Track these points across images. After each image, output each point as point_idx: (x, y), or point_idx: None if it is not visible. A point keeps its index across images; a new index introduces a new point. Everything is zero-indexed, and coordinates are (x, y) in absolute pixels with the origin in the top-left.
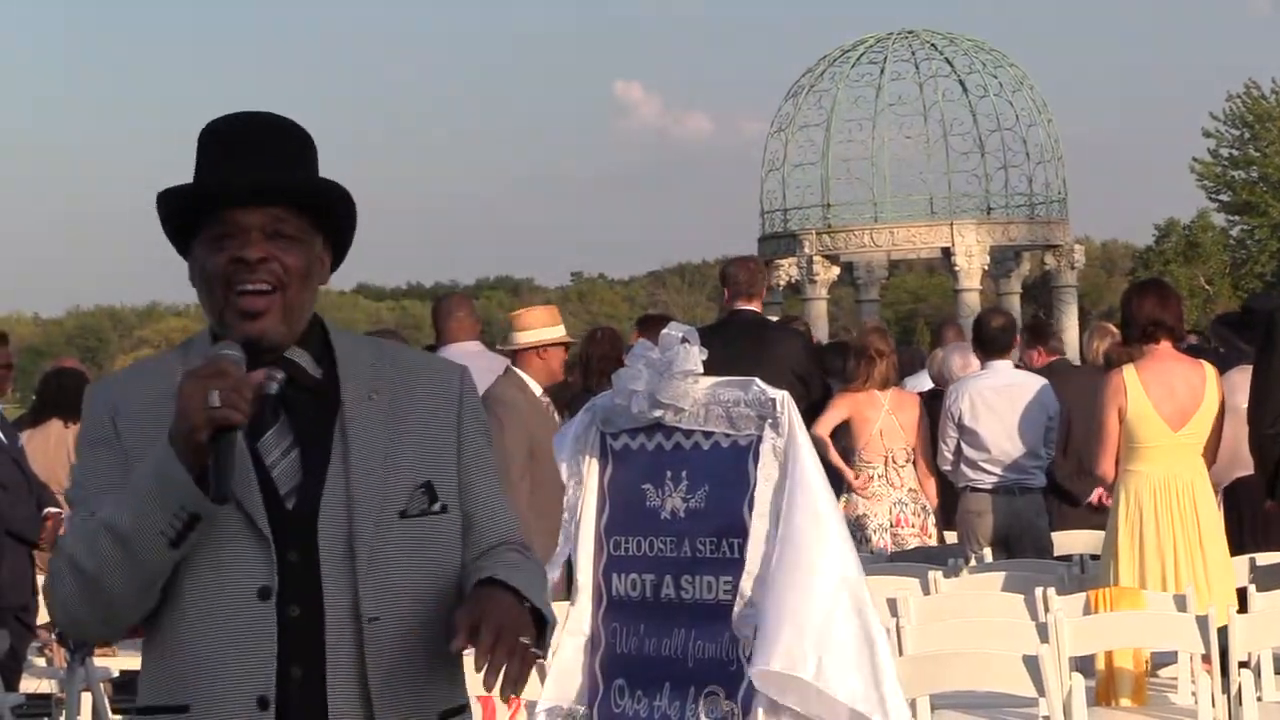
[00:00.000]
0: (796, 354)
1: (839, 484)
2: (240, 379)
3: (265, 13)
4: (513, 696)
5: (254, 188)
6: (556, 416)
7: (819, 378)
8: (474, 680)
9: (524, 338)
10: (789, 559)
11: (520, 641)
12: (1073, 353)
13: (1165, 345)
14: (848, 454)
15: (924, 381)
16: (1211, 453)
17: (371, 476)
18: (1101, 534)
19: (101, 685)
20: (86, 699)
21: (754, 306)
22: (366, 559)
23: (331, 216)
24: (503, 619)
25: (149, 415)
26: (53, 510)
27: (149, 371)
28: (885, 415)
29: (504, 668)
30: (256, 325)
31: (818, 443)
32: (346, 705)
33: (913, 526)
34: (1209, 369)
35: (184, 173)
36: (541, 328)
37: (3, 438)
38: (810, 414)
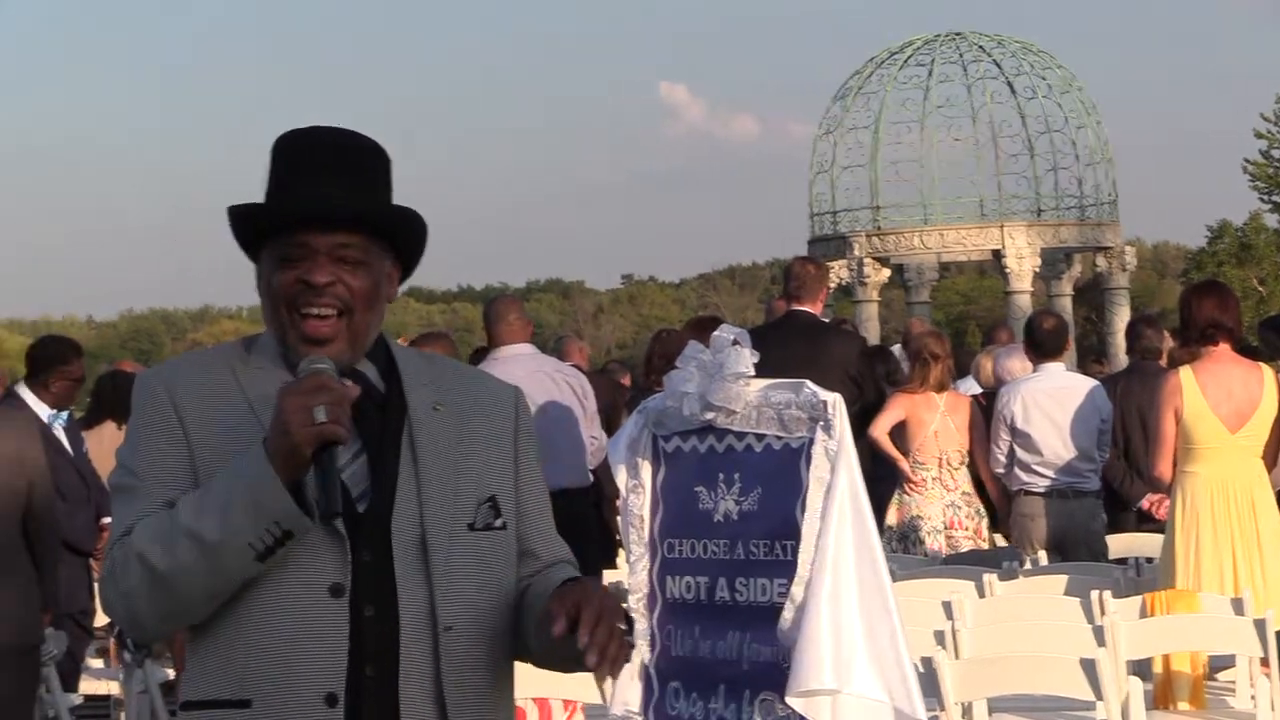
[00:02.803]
0: (851, 356)
1: (895, 479)
2: (341, 393)
3: (322, 20)
4: (569, 701)
5: (323, 213)
6: None
7: (873, 380)
8: (528, 682)
9: None
10: (812, 583)
11: (618, 626)
12: (1119, 354)
13: (1224, 347)
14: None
15: (971, 386)
16: (1271, 455)
17: (442, 486)
18: (1156, 537)
19: (158, 687)
20: (144, 701)
21: (810, 308)
22: (442, 567)
23: (400, 240)
24: (603, 604)
25: (212, 412)
26: (108, 521)
27: (204, 365)
28: (941, 417)
29: (605, 647)
30: (321, 352)
31: (873, 443)
32: (419, 708)
33: (966, 529)
34: (1268, 372)
35: (237, 177)
36: None
37: (67, 445)
38: (863, 417)
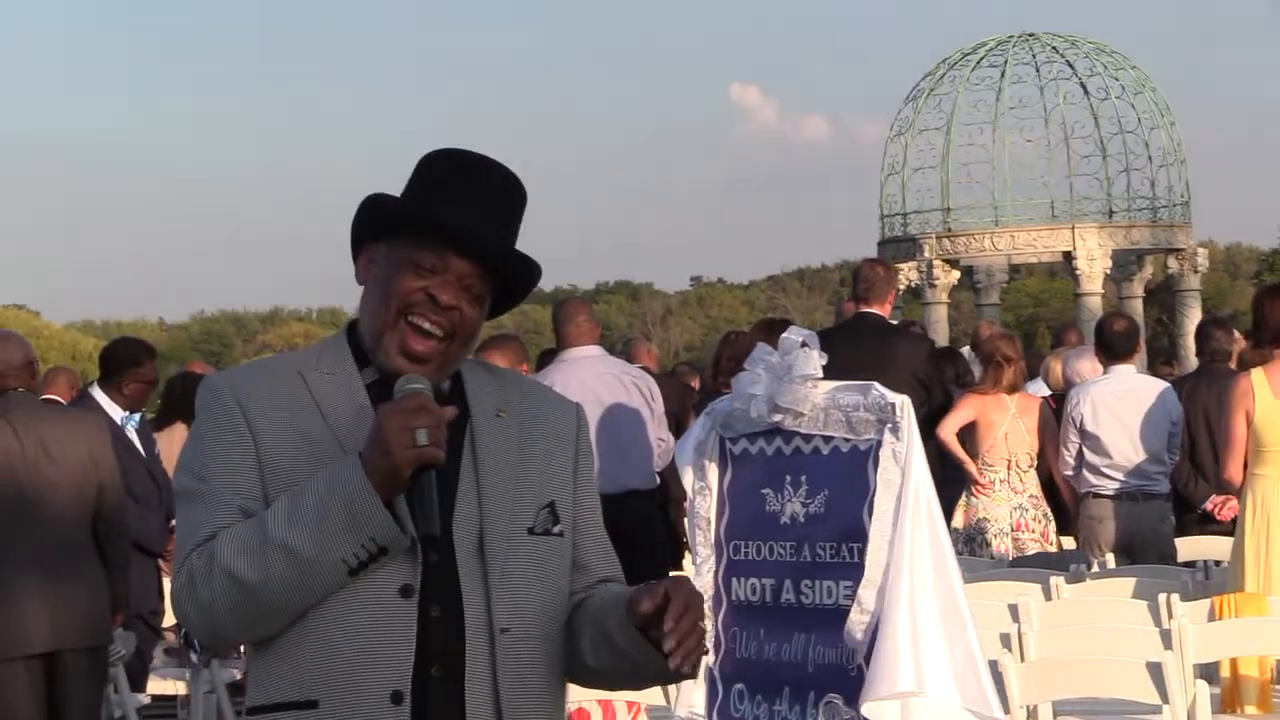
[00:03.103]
0: (919, 358)
1: (963, 481)
2: (440, 417)
3: (396, 23)
4: (632, 702)
5: (486, 248)
6: None
7: (941, 383)
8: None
9: None
10: (888, 587)
11: (700, 625)
12: (1190, 356)
13: None
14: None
15: (1040, 388)
16: None
17: (501, 490)
18: (1225, 540)
19: (225, 688)
20: (211, 701)
21: (879, 310)
22: (499, 571)
23: (515, 290)
24: (690, 597)
25: (280, 418)
26: None
27: (271, 371)
28: (1011, 419)
29: (686, 637)
30: (415, 371)
31: (941, 445)
32: (483, 709)
33: (1033, 532)
34: None
35: (307, 180)
36: None
37: (140, 448)
38: (930, 420)
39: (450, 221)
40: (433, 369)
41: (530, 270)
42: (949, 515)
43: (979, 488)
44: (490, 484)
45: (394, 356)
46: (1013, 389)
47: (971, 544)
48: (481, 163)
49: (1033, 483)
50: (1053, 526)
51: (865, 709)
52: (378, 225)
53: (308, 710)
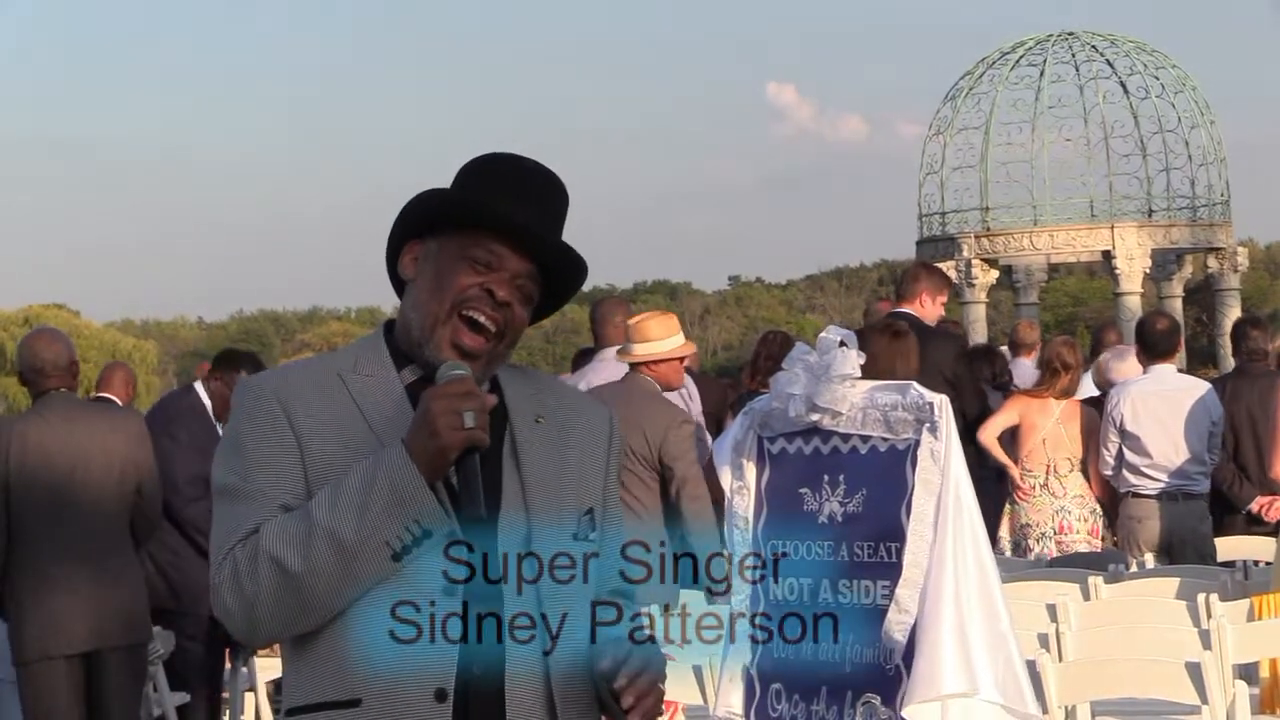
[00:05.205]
0: (948, 358)
1: (1002, 484)
2: (484, 401)
3: (432, 24)
4: (670, 701)
5: (545, 243)
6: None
7: (971, 382)
8: None
9: (641, 350)
10: (931, 588)
11: (659, 686)
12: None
13: None
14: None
15: (1088, 388)
16: None
17: (546, 494)
18: (1264, 540)
19: (264, 686)
20: (249, 699)
21: (911, 309)
22: (548, 575)
23: (561, 294)
24: (660, 671)
25: (323, 420)
26: None
27: (311, 371)
28: (1054, 424)
29: (644, 698)
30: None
31: (982, 448)
32: (526, 708)
33: (1078, 532)
34: None
35: (344, 180)
36: (658, 340)
37: None
38: (961, 419)
39: (515, 216)
40: (480, 366)
41: (579, 275)
42: (992, 519)
43: (1020, 494)
44: (534, 487)
45: (445, 350)
46: (1064, 395)
47: (1017, 549)
48: (529, 165)
49: (1074, 484)
50: (1102, 522)
51: (907, 711)
52: (433, 218)
53: (350, 709)
